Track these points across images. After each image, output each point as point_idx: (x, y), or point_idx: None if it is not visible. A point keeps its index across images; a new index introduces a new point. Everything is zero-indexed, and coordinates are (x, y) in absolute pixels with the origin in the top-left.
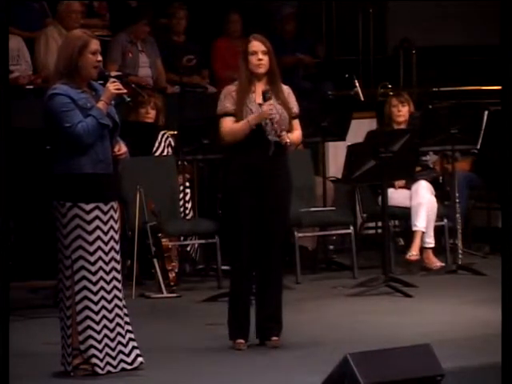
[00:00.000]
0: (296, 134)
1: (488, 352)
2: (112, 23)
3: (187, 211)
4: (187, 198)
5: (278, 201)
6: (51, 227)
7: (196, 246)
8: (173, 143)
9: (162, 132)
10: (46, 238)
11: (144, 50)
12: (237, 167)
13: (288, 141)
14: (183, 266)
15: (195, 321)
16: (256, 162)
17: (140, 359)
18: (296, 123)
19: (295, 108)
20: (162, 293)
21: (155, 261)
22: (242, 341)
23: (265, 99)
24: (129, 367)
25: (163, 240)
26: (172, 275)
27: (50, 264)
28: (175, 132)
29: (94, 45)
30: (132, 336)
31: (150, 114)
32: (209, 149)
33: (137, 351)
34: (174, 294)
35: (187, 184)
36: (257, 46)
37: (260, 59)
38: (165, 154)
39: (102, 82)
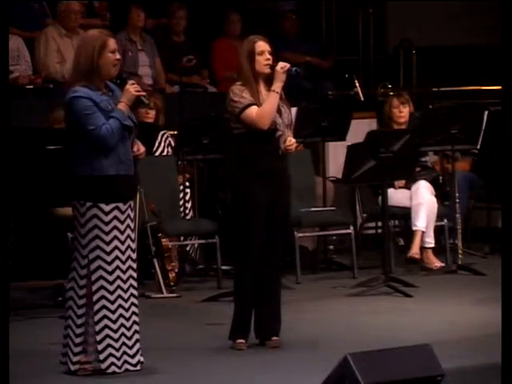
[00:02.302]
0: (291, 134)
1: (488, 352)
2: (112, 23)
3: (187, 211)
4: (187, 197)
5: (284, 199)
6: (51, 227)
7: (196, 245)
8: (173, 143)
9: (162, 132)
10: (46, 238)
11: (144, 49)
12: (249, 168)
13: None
14: (183, 266)
15: (195, 321)
16: (268, 161)
17: (140, 359)
18: None
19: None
20: (162, 293)
21: (155, 261)
22: (242, 341)
23: (292, 73)
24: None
25: (163, 240)
26: (172, 275)
27: (49, 264)
28: (175, 132)
29: (112, 44)
30: (138, 336)
31: (150, 114)
32: (209, 149)
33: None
34: (174, 294)
35: (187, 184)
36: (264, 45)
37: (268, 59)
38: (165, 154)
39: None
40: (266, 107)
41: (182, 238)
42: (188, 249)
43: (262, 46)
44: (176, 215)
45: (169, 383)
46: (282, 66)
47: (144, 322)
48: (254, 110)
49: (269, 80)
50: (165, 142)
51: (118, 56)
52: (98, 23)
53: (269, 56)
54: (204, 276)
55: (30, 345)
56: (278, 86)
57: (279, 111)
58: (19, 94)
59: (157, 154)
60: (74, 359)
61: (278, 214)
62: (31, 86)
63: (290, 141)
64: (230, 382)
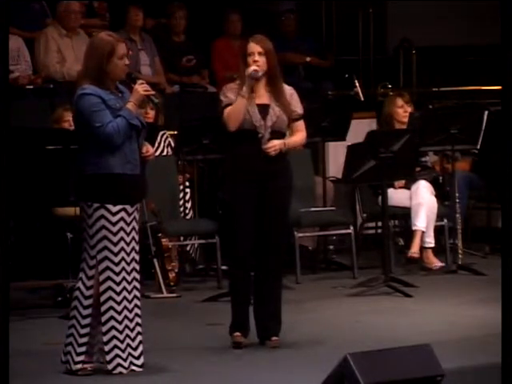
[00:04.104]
0: (298, 136)
1: (488, 352)
2: (111, 23)
3: (187, 211)
4: (187, 197)
5: (277, 201)
6: (51, 227)
7: (196, 245)
8: (172, 144)
9: (162, 132)
10: (46, 238)
11: (143, 49)
12: (235, 168)
13: (274, 150)
14: (183, 266)
15: (195, 321)
16: (252, 163)
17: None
18: (299, 125)
19: (298, 109)
20: (162, 293)
21: (155, 261)
22: (238, 333)
23: (252, 76)
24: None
25: (163, 240)
26: (172, 275)
27: (49, 264)
28: (175, 132)
29: (121, 49)
30: (141, 338)
31: (150, 114)
32: (209, 149)
33: None
34: (174, 294)
35: (187, 184)
36: (253, 47)
37: (255, 60)
38: (164, 154)
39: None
40: (230, 110)
41: (181, 238)
42: (188, 249)
43: (251, 47)
44: (176, 215)
45: (169, 383)
46: (247, 70)
47: (144, 321)
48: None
49: (268, 80)
50: (164, 142)
51: (126, 61)
52: (97, 23)
53: (257, 58)
54: (204, 276)
55: (29, 345)
56: (244, 90)
57: (265, 113)
58: (19, 94)
59: (156, 154)
60: (77, 359)
61: (271, 215)
62: (31, 86)
63: (272, 142)
64: (230, 381)
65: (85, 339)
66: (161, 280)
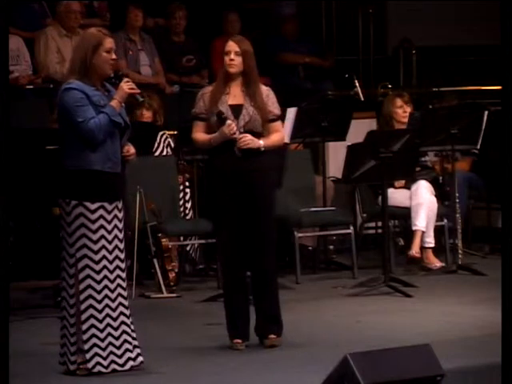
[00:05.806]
0: (275, 137)
1: (488, 352)
2: (112, 23)
3: (187, 211)
4: (187, 197)
5: (259, 201)
6: (51, 227)
7: (196, 245)
8: (172, 144)
9: (161, 132)
10: (46, 238)
11: (143, 49)
12: (212, 170)
13: (244, 141)
14: (183, 266)
15: (195, 321)
16: (227, 164)
17: (140, 358)
18: (277, 125)
19: (275, 110)
20: (162, 293)
21: (155, 261)
22: (238, 340)
23: (221, 120)
24: (134, 364)
25: (163, 240)
26: (172, 275)
27: (49, 264)
28: (175, 132)
29: (108, 43)
30: (134, 335)
31: (146, 115)
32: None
33: (138, 350)
34: (174, 294)
35: (187, 184)
36: (231, 46)
37: (231, 59)
38: (164, 154)
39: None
40: (199, 142)
41: (181, 238)
42: (188, 249)
43: (229, 45)
44: (176, 215)
45: (168, 383)
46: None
47: (144, 321)
48: (196, 127)
49: (243, 80)
50: (164, 142)
51: (113, 56)
52: (97, 23)
53: (233, 57)
54: (204, 276)
55: (30, 345)
56: (215, 139)
57: (238, 113)
58: (19, 94)
59: (156, 154)
60: (72, 359)
61: (255, 215)
62: (31, 86)
63: (244, 134)
64: (230, 381)
65: (75, 338)
66: (161, 280)
